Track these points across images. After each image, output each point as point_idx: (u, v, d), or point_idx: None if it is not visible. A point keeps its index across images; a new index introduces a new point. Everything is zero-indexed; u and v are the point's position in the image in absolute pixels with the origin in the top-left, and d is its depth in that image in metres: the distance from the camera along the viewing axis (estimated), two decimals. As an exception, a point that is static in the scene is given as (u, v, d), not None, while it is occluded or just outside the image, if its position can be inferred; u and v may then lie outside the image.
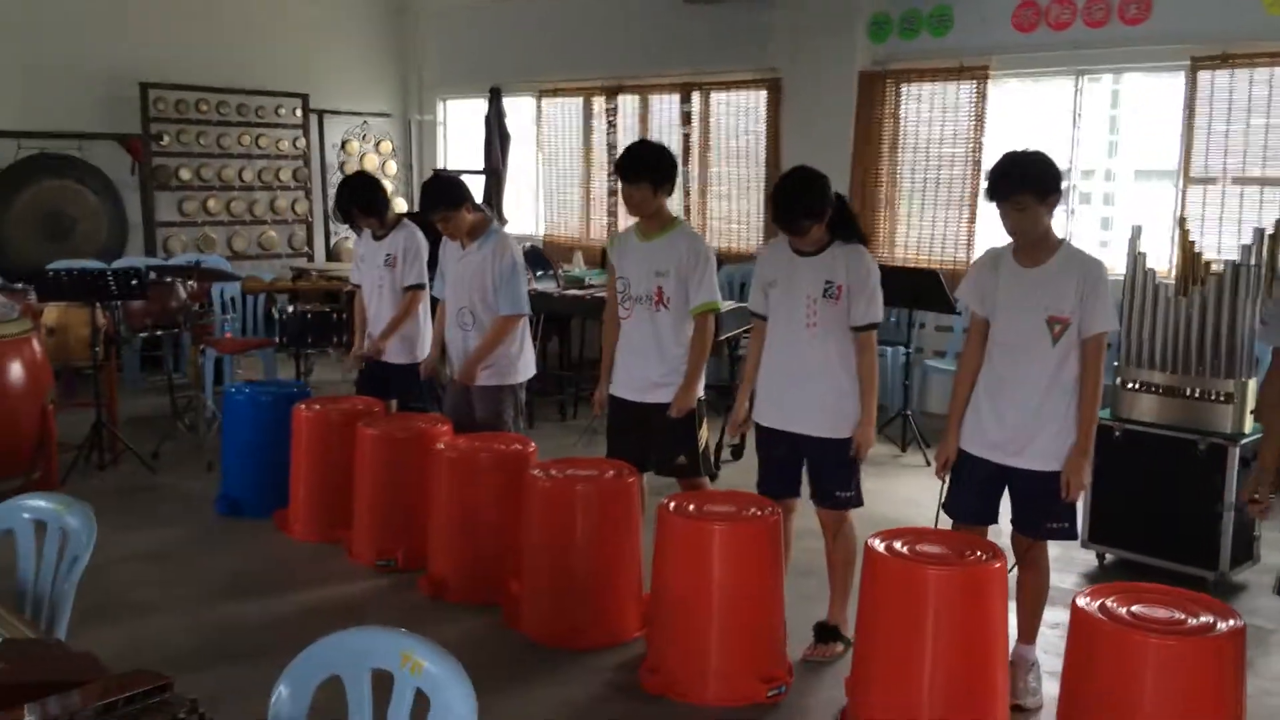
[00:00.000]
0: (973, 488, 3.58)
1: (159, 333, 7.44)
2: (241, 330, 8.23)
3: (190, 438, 6.62)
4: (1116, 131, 7.22)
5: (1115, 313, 3.40)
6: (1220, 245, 6.49)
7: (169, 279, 7.13)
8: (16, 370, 5.41)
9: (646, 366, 4.20)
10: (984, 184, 3.47)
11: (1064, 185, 3.48)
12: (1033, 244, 3.40)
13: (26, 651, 2.14)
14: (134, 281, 6.04)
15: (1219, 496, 4.51)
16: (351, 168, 10.67)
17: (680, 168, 8.91)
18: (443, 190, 4.72)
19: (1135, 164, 7.41)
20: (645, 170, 4.09)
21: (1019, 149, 3.46)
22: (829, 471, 3.85)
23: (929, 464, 6.58)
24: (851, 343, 3.77)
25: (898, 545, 3.34)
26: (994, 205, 3.40)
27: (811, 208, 3.67)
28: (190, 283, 6.74)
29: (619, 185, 4.25)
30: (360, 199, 5.15)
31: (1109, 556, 4.95)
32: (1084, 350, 3.39)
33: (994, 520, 3.62)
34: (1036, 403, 3.42)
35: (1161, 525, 4.68)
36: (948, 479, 3.66)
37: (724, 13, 8.48)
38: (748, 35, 8.41)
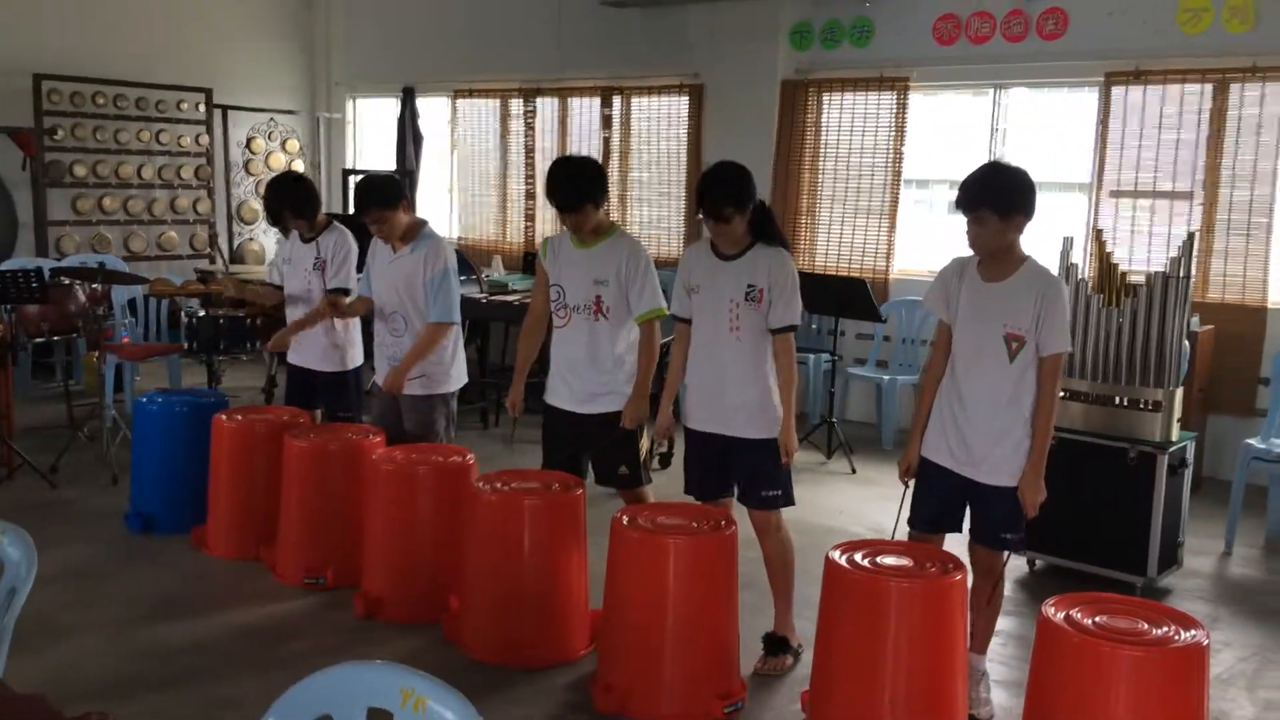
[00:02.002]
0: (934, 496, 3.58)
1: (55, 338, 7.07)
2: (143, 336, 7.85)
3: (91, 449, 6.27)
4: (1004, 143, 7.36)
5: (1069, 334, 3.42)
6: (1132, 257, 6.68)
7: (67, 281, 6.77)
8: (-95, 379, 5.05)
9: (584, 377, 4.11)
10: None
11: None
12: (995, 259, 3.40)
13: (-33, 695, 1.95)
14: (33, 284, 5.70)
15: (1149, 504, 4.61)
16: (257, 166, 10.36)
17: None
18: (378, 190, 4.54)
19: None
20: (583, 195, 3.96)
21: (1002, 161, 3.46)
22: (756, 471, 3.84)
23: (854, 471, 6.62)
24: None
25: (858, 557, 3.32)
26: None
27: (736, 196, 3.64)
28: (95, 285, 6.39)
29: (554, 209, 4.10)
30: (291, 199, 4.93)
31: (1039, 563, 5.03)
32: (1040, 370, 3.39)
33: (956, 529, 3.62)
34: (994, 419, 3.43)
35: (1091, 532, 4.76)
36: (911, 487, 3.65)
37: (645, 16, 8.44)
38: (669, 39, 8.38)
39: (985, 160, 3.48)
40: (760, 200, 3.77)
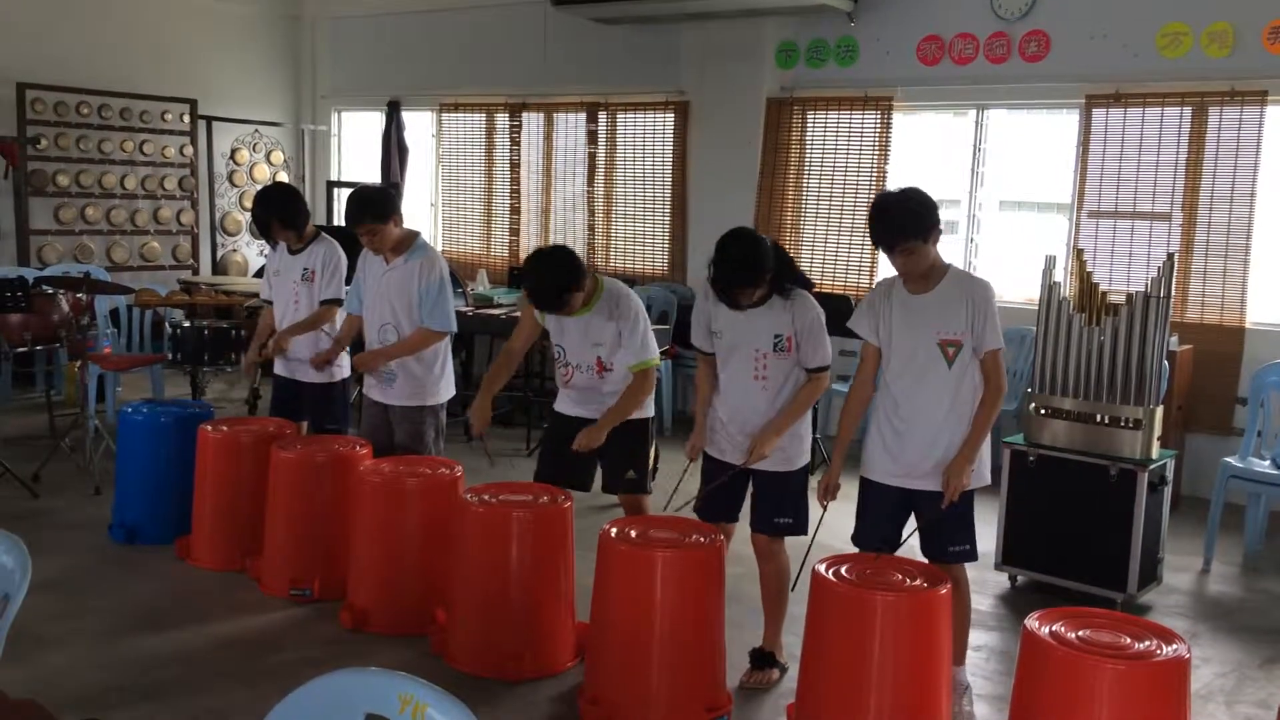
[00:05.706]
0: (880, 515, 3.65)
1: (37, 348, 7.04)
2: (126, 346, 7.82)
3: (73, 459, 6.24)
4: (984, 163, 7.46)
5: (1001, 331, 3.52)
6: (1111, 277, 6.76)
7: (50, 290, 6.75)
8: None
9: (591, 404, 4.17)
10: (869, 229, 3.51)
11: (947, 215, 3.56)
12: (921, 274, 3.50)
13: (-37, 702, 1.95)
14: (18, 293, 5.69)
15: (1129, 520, 4.66)
16: (241, 178, 10.35)
17: (583, 189, 8.93)
18: (370, 202, 4.55)
19: (999, 195, 7.80)
20: (556, 300, 3.94)
21: (892, 191, 3.55)
22: (774, 499, 3.87)
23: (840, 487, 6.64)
24: (801, 381, 3.81)
25: (844, 571, 3.35)
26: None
27: (754, 276, 3.65)
28: (80, 295, 6.36)
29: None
30: (279, 211, 4.94)
31: (1020, 579, 5.07)
32: (985, 367, 3.50)
33: (897, 545, 3.67)
34: (934, 427, 3.51)
35: (1072, 548, 4.81)
36: (827, 510, 3.71)
37: (632, 33, 8.50)
38: (656, 56, 8.44)
39: (880, 192, 3.59)
40: (775, 246, 3.75)
